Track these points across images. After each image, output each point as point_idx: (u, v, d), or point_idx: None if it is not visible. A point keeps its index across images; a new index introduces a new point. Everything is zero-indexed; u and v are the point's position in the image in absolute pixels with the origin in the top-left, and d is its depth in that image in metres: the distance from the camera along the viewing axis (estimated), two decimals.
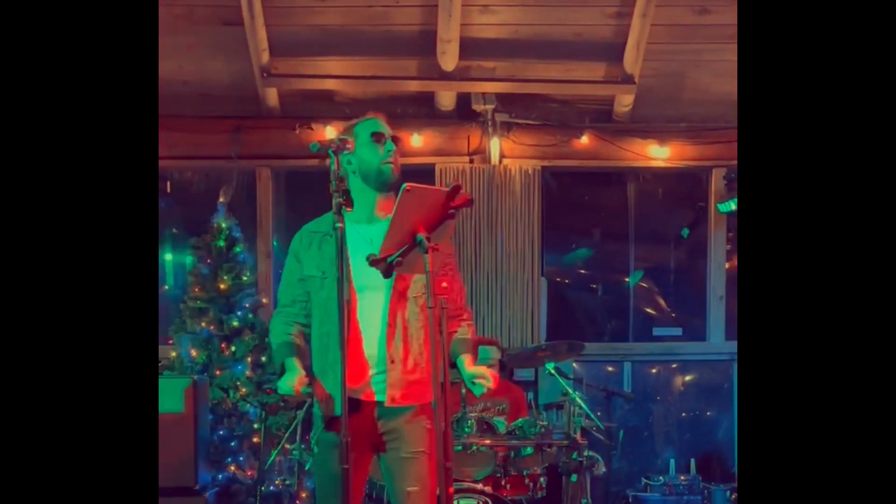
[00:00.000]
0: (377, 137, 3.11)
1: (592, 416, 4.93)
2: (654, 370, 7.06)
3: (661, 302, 7.21)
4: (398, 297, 2.96)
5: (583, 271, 7.30)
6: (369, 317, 2.97)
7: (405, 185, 2.58)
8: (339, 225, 2.68)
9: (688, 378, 7.10)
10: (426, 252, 2.55)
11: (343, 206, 2.70)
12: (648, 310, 7.18)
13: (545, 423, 4.77)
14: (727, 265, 6.84)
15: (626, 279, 7.12)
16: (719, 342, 6.79)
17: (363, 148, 3.08)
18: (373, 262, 2.66)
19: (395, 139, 3.17)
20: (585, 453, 4.76)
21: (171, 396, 4.91)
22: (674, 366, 7.11)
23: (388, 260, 2.61)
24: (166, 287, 6.90)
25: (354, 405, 2.92)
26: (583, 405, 4.88)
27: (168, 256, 7.00)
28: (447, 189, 2.58)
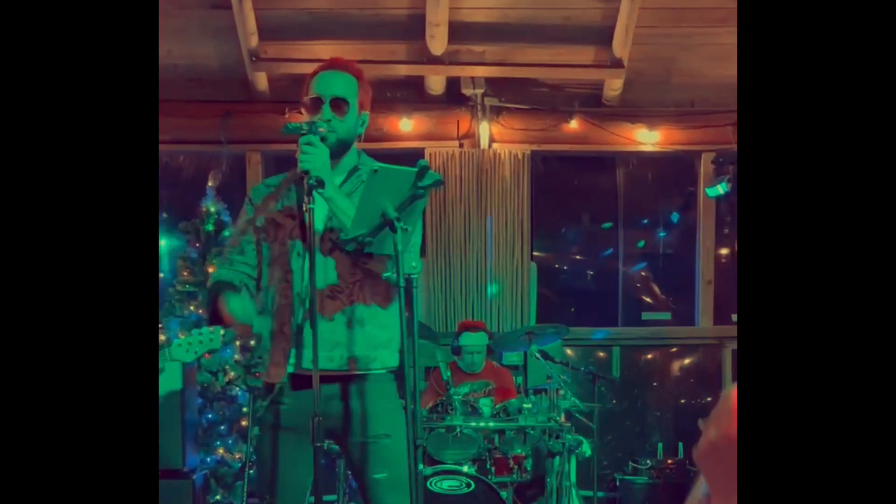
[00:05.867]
0: (313, 104, 2.90)
1: (576, 399, 4.94)
2: (642, 354, 7.07)
3: (650, 286, 7.22)
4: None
5: (578, 257, 7.30)
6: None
7: (373, 165, 2.58)
8: (311, 206, 2.66)
9: (676, 362, 7.11)
10: (395, 231, 2.56)
11: (315, 189, 2.67)
12: (637, 294, 7.19)
13: (528, 405, 4.79)
14: (726, 251, 6.85)
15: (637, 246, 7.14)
16: (708, 326, 6.81)
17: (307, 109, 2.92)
18: (342, 241, 2.67)
19: (337, 104, 2.89)
20: (569, 436, 4.78)
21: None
22: (668, 350, 7.12)
23: (359, 240, 2.62)
24: (161, 274, 6.92)
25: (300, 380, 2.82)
26: (565, 388, 4.90)
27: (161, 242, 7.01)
28: (416, 169, 2.58)
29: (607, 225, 7.15)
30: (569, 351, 6.67)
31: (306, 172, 2.68)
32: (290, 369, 2.84)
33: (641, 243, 7.10)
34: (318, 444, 2.63)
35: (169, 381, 4.98)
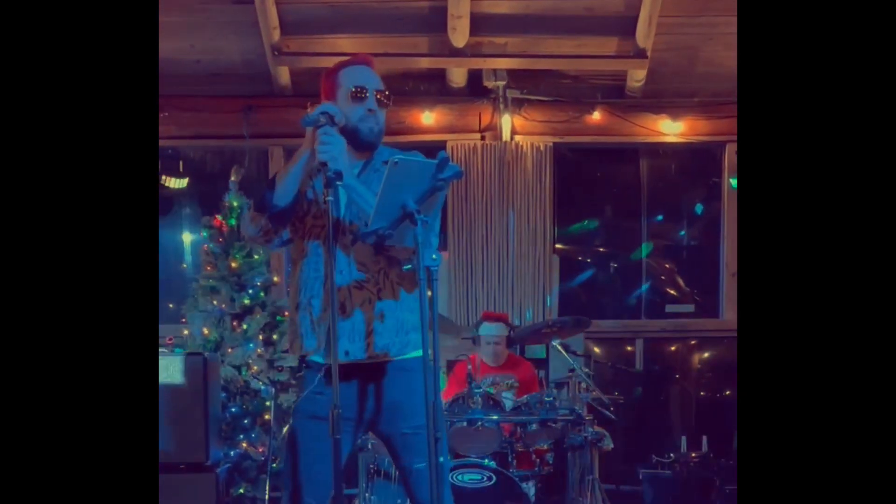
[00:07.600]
0: (358, 92, 2.89)
1: (598, 391, 4.91)
2: (666, 347, 7.02)
3: (674, 278, 7.17)
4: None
5: (602, 249, 7.26)
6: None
7: (394, 157, 2.57)
8: (331, 199, 2.66)
9: (700, 355, 7.06)
10: (416, 224, 2.55)
11: (334, 181, 2.68)
12: (661, 287, 7.15)
13: (551, 398, 4.76)
14: None
15: (639, 254, 7.09)
16: (732, 319, 6.75)
17: (344, 100, 2.89)
18: (363, 234, 2.66)
19: (381, 98, 2.93)
20: (591, 429, 4.75)
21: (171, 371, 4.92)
22: (689, 342, 7.06)
23: (379, 232, 2.61)
24: (185, 266, 6.96)
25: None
26: (587, 380, 4.87)
27: (184, 236, 7.05)
28: (436, 160, 2.57)
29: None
30: (596, 349, 6.64)
31: (325, 164, 2.68)
32: (321, 359, 2.86)
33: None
34: (337, 437, 2.63)
35: (192, 375, 5.00)
